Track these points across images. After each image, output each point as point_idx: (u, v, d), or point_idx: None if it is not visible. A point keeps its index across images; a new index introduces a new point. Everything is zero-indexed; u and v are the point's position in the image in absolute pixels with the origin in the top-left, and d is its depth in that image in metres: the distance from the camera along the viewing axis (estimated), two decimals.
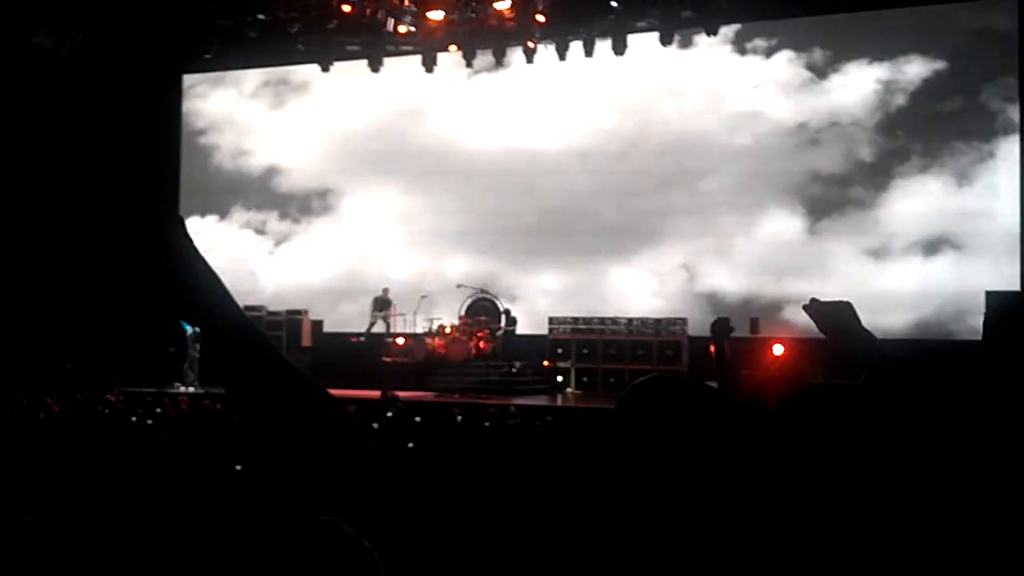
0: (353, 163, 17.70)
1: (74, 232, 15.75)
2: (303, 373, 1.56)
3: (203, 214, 18.28)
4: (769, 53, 15.55)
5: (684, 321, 14.13)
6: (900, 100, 14.78)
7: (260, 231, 18.49)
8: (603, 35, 15.27)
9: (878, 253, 14.68)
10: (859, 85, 14.96)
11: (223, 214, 18.51)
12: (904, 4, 14.54)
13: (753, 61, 15.70)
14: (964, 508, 2.28)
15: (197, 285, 1.50)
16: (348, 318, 16.70)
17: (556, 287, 16.19)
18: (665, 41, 15.04)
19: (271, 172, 18.46)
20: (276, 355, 1.56)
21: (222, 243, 18.02)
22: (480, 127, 17.03)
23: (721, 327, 3.28)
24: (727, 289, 15.21)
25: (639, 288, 15.84)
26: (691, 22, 15.02)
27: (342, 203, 18.06)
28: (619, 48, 15.20)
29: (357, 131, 17.55)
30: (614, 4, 14.77)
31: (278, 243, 18.39)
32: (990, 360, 10.95)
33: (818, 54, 15.25)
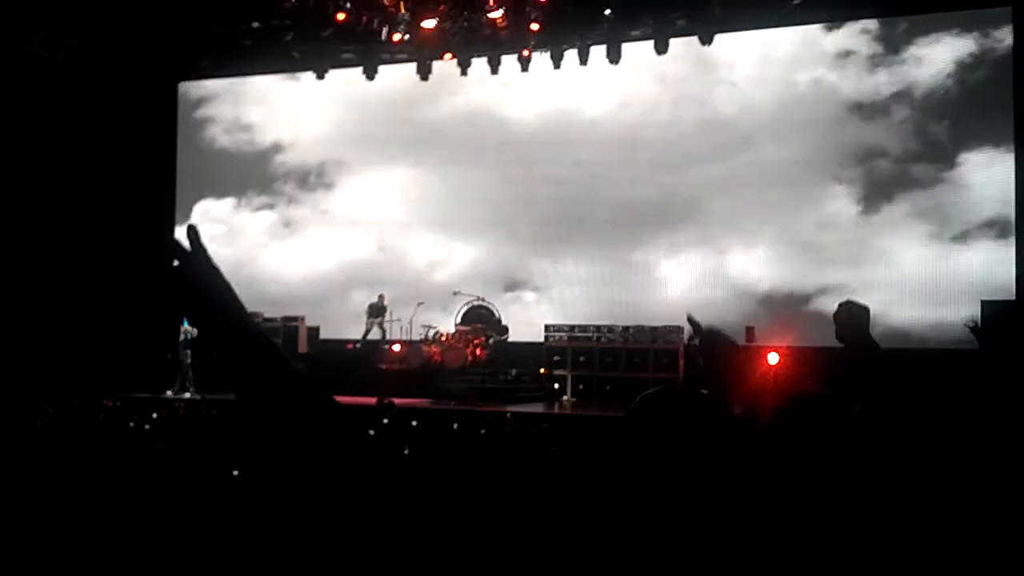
0: (360, 148, 17.44)
1: (74, 237, 15.78)
2: (308, 378, 1.60)
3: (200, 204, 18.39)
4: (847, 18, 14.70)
5: (680, 329, 14.13)
6: (984, 72, 13.81)
7: (262, 223, 18.36)
8: (597, 43, 15.31)
9: (941, 238, 13.86)
10: (941, 56, 14.05)
11: (219, 206, 18.48)
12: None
13: (826, 29, 14.86)
14: (965, 517, 2.29)
15: (210, 290, 1.55)
16: (359, 308, 16.53)
17: (585, 276, 15.76)
18: (659, 49, 15.07)
19: (271, 157, 18.29)
20: (284, 360, 1.60)
21: (218, 237, 18.01)
22: (507, 101, 16.55)
23: (707, 343, 3.24)
24: (765, 277, 14.73)
25: (672, 276, 15.37)
26: (685, 30, 15.06)
27: (346, 194, 17.85)
28: (613, 57, 15.25)
29: (365, 111, 17.20)
30: (607, 12, 14.81)
31: (282, 233, 18.26)
32: (987, 368, 10.99)
33: (904, 22, 14.41)
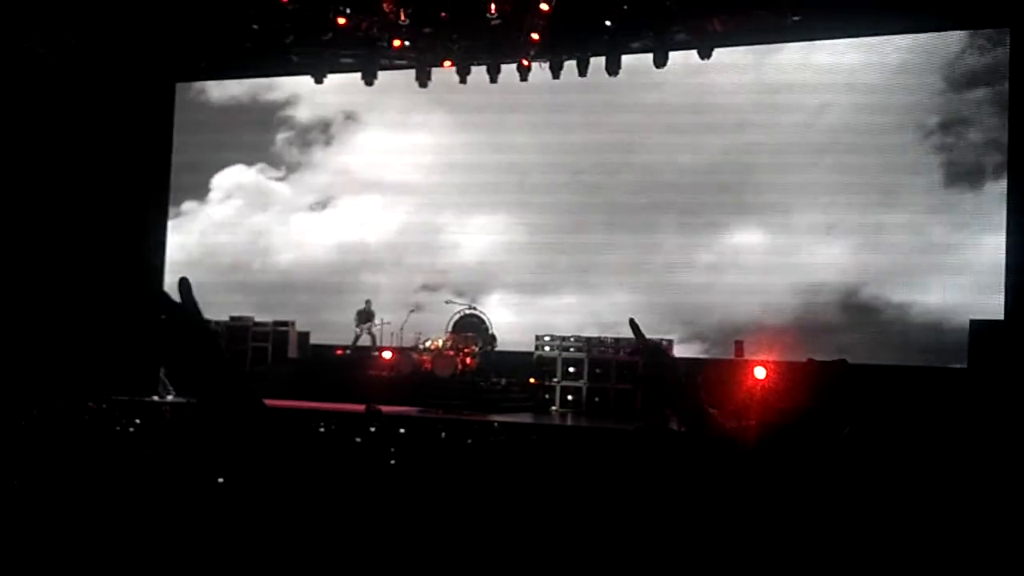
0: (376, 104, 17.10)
1: (63, 237, 15.74)
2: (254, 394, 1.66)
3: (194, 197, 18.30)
4: None
5: (670, 343, 14.14)
6: None
7: (269, 198, 18.18)
8: (597, 54, 15.34)
9: None
10: None
11: (213, 194, 18.40)
12: None
13: None
14: (954, 537, 2.29)
15: (195, 349, 1.60)
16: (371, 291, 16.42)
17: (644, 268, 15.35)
18: (659, 63, 15.10)
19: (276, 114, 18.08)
20: (264, 415, 1.64)
21: (212, 229, 17.94)
22: None
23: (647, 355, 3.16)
24: (832, 275, 14.15)
25: (728, 271, 14.87)
26: (684, 44, 15.10)
27: (354, 159, 17.61)
28: (612, 68, 15.26)
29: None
30: (608, 24, 14.84)
31: (290, 207, 18.10)
32: (976, 389, 11.01)
33: None
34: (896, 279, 14.01)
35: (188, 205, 18.36)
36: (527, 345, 14.83)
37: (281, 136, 18.12)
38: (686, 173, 15.34)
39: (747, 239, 15.11)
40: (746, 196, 15.00)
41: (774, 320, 13.91)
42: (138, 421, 7.80)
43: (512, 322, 15.47)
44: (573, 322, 15.22)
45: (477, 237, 16.59)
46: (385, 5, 14.54)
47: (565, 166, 16.10)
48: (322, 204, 17.78)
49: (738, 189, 14.99)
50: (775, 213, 14.90)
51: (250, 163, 18.17)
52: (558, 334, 14.79)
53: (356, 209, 17.50)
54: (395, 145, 17.15)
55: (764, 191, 14.91)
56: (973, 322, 12.61)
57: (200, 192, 18.33)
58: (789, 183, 14.76)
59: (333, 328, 16.29)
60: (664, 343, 13.90)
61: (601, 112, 15.74)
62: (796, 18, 14.34)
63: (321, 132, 17.87)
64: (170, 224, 18.31)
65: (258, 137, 18.13)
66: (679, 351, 13.82)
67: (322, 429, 7.92)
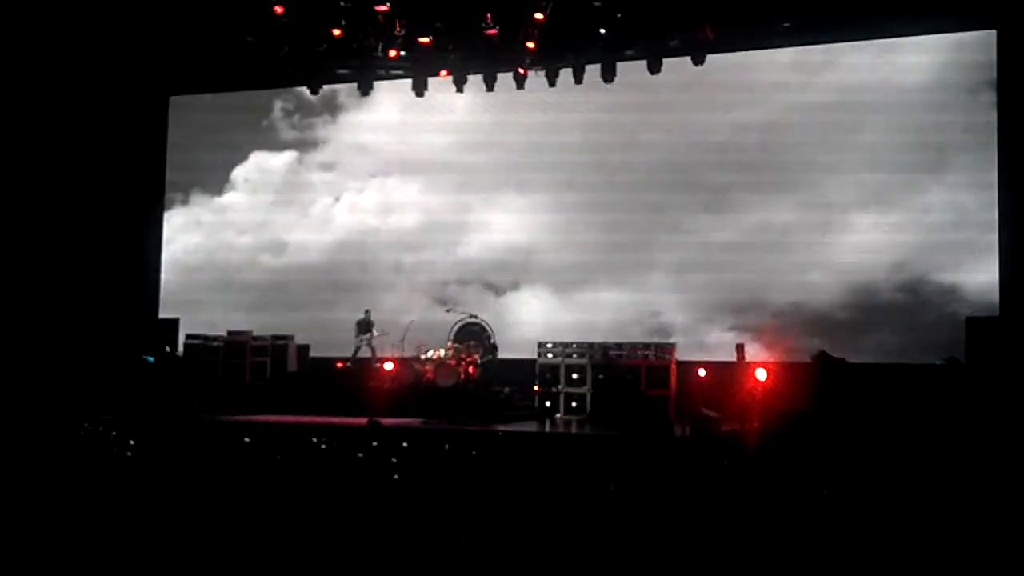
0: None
1: (58, 252, 15.76)
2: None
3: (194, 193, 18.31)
4: None
5: (672, 347, 14.16)
6: None
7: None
8: (592, 62, 15.39)
9: None
10: None
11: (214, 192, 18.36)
12: None
13: None
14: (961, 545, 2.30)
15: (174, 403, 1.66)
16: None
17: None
18: (653, 69, 15.14)
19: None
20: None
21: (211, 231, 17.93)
22: None
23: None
24: (873, 257, 14.17)
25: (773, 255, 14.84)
26: (678, 50, 15.15)
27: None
28: (608, 76, 15.31)
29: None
30: (602, 31, 14.88)
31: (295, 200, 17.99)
32: (973, 386, 11.00)
33: None
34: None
35: (186, 208, 18.38)
36: (531, 351, 14.79)
37: (281, 119, 18.07)
38: (729, 147, 15.42)
39: (787, 226, 15.10)
40: (785, 181, 15.13)
41: (810, 315, 14.00)
42: (132, 442, 7.79)
43: (544, 319, 15.61)
44: (609, 319, 15.33)
45: (508, 231, 16.59)
46: (380, 16, 14.58)
47: (596, 159, 16.11)
48: (336, 197, 17.80)
49: (777, 176, 15.14)
50: (818, 199, 14.94)
51: (251, 154, 18.19)
52: (560, 340, 14.77)
53: (364, 205, 17.50)
54: (413, 130, 17.08)
55: (805, 175, 15.05)
56: (969, 319, 12.63)
57: (196, 194, 18.34)
58: (830, 161, 14.87)
59: (337, 330, 16.14)
60: (668, 345, 14.00)
61: (630, 95, 15.72)
62: (787, 24, 14.43)
63: (326, 107, 17.78)
64: (166, 230, 18.34)
65: (258, 124, 18.10)
66: (718, 341, 14.02)
67: (323, 445, 7.92)
